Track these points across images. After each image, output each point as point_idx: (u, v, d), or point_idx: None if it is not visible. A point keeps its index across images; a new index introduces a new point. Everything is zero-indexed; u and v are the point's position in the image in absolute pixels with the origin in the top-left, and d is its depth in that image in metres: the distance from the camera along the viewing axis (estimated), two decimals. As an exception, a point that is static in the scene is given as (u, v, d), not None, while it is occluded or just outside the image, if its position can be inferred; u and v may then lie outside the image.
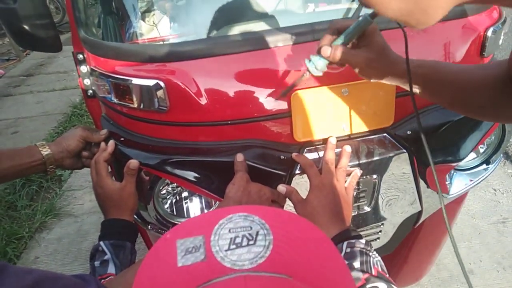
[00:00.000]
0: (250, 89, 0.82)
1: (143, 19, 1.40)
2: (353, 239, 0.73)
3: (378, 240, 1.02)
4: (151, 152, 0.85)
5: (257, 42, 0.80)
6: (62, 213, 2.49)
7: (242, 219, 0.40)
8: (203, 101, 0.82)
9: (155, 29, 1.29)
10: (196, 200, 0.95)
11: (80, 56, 1.08)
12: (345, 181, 0.83)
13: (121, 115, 0.89)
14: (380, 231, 1.00)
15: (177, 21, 1.28)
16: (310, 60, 0.70)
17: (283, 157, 0.84)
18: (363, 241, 0.73)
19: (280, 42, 0.80)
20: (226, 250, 0.37)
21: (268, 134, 0.85)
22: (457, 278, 1.80)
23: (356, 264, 0.69)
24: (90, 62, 0.95)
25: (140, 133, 0.88)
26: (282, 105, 0.82)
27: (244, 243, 0.38)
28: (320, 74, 0.71)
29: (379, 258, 0.72)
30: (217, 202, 0.94)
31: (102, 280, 0.69)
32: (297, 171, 0.84)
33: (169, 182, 0.92)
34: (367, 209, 0.94)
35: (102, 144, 0.88)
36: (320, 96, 0.82)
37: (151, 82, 0.79)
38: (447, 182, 1.00)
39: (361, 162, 0.87)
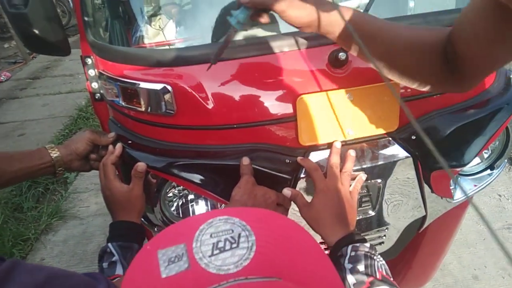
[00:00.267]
0: (255, 93, 0.83)
1: (149, 24, 1.42)
2: (357, 243, 0.74)
3: (382, 244, 1.03)
4: (158, 155, 0.86)
5: (263, 47, 0.81)
6: (68, 215, 2.50)
7: (222, 223, 0.40)
8: (210, 105, 0.83)
9: (161, 33, 1.31)
10: (202, 202, 0.96)
11: (88, 60, 1.09)
12: (350, 185, 0.84)
13: (128, 118, 0.90)
14: (384, 235, 1.01)
15: (183, 26, 1.30)
16: (231, 15, 0.68)
17: (288, 161, 0.85)
18: (367, 244, 0.74)
19: (286, 47, 0.81)
20: (209, 256, 0.37)
21: (273, 138, 0.86)
22: (461, 283, 1.79)
23: (361, 267, 0.70)
24: (99, 66, 0.96)
25: (147, 136, 0.89)
26: (288, 109, 0.83)
27: (227, 247, 0.38)
28: (245, 28, 0.69)
29: (384, 262, 0.73)
30: (223, 204, 0.95)
31: (110, 281, 0.70)
32: (302, 175, 0.85)
33: (175, 185, 0.94)
34: (372, 213, 0.94)
35: (110, 147, 0.89)
36: (325, 100, 0.82)
37: (158, 86, 0.80)
38: (451, 187, 1.00)
39: (365, 166, 0.87)
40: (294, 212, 0.87)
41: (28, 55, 5.49)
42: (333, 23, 0.66)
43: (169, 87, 0.81)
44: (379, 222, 0.96)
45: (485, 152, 1.06)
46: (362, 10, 0.76)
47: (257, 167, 0.84)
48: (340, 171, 0.84)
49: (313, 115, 0.83)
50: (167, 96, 0.81)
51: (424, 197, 0.95)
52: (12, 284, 0.38)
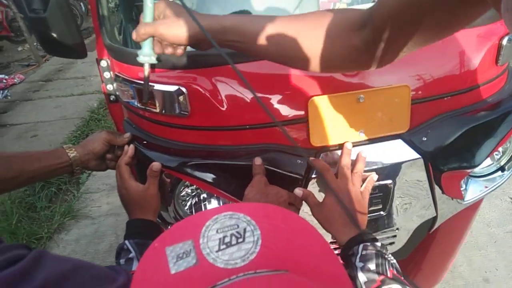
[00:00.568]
0: (268, 95, 0.84)
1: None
2: (368, 242, 0.75)
3: (392, 245, 1.03)
4: (173, 155, 0.88)
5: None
6: (80, 215, 2.54)
7: (227, 218, 0.41)
8: (223, 106, 0.85)
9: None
10: (214, 201, 0.98)
11: (103, 63, 1.12)
12: (361, 186, 0.85)
13: (143, 119, 0.92)
14: (395, 236, 1.01)
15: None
16: (138, 56, 0.73)
17: (299, 161, 0.86)
18: (378, 244, 0.75)
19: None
20: (217, 251, 0.38)
21: (285, 138, 0.88)
22: (472, 286, 1.79)
23: (372, 266, 0.71)
24: (114, 68, 0.99)
25: (161, 137, 0.91)
26: (300, 110, 0.85)
27: (234, 241, 0.39)
28: (150, 61, 0.72)
29: (395, 261, 0.74)
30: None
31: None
32: (314, 175, 0.87)
33: (188, 184, 0.96)
34: (382, 214, 0.95)
35: (126, 147, 0.92)
36: (337, 102, 0.84)
37: (173, 88, 0.83)
38: (462, 188, 1.01)
39: (376, 167, 0.89)
40: (305, 212, 0.89)
41: (41, 58, 5.58)
42: (226, 32, 0.66)
43: (183, 89, 0.83)
44: (389, 222, 0.97)
45: (496, 154, 1.06)
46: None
47: (269, 167, 0.86)
48: (351, 171, 0.85)
49: (324, 116, 0.85)
50: (181, 98, 0.83)
51: (434, 198, 0.95)
52: (41, 271, 0.40)
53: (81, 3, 7.37)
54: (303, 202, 0.86)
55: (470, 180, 1.03)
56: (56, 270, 0.42)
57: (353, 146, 0.87)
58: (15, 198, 2.61)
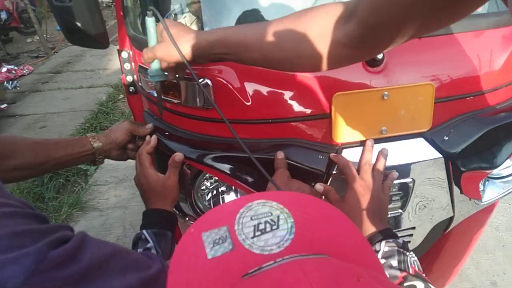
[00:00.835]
0: (292, 90, 0.85)
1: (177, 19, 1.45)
2: (390, 238, 0.75)
3: (409, 243, 1.04)
4: (195, 146, 0.89)
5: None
6: (88, 207, 2.56)
7: (261, 206, 0.42)
8: (247, 100, 0.85)
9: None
10: (232, 195, 0.98)
11: (125, 54, 1.12)
12: (382, 183, 0.85)
13: (166, 111, 0.93)
14: (411, 235, 1.01)
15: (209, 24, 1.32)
16: (148, 75, 0.79)
17: (321, 157, 0.87)
18: (400, 240, 0.75)
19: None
20: (252, 237, 0.39)
21: (307, 134, 0.88)
22: (479, 289, 1.79)
23: (394, 262, 0.71)
24: (137, 59, 0.99)
25: (184, 128, 0.91)
26: (323, 106, 0.85)
27: (268, 228, 0.40)
28: (160, 78, 0.78)
29: (416, 258, 0.74)
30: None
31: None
32: (335, 171, 0.87)
33: (208, 177, 0.96)
34: (400, 212, 0.95)
35: (147, 137, 0.92)
36: (361, 98, 0.84)
37: (199, 79, 0.83)
38: (480, 189, 1.01)
39: (397, 164, 0.89)
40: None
41: (50, 50, 5.60)
42: (213, 46, 0.70)
43: (209, 81, 0.83)
44: (407, 221, 0.97)
45: (514, 156, 1.06)
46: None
47: (290, 161, 0.86)
48: (373, 168, 0.85)
49: (347, 113, 0.85)
50: (207, 90, 0.84)
51: (453, 198, 0.95)
52: (86, 253, 0.41)
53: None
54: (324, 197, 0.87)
55: (488, 181, 1.03)
56: (99, 252, 0.43)
57: (375, 143, 0.87)
58: (23, 188, 2.63)
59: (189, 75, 0.82)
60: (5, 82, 4.46)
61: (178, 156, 0.86)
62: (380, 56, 0.80)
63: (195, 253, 0.39)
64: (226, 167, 0.87)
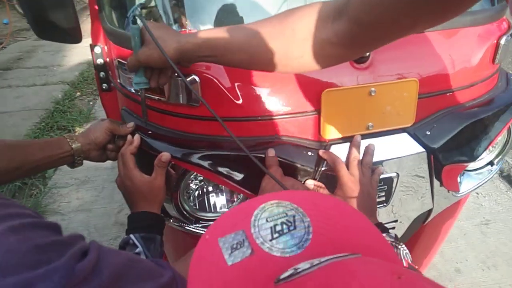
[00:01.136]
0: (280, 87, 0.84)
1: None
2: (383, 233, 0.76)
3: (391, 236, 1.06)
4: (181, 145, 0.85)
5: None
6: (48, 211, 2.42)
7: (275, 207, 0.41)
8: (235, 97, 0.83)
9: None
10: (220, 195, 0.96)
11: (98, 49, 1.07)
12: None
13: (149, 109, 0.89)
14: (394, 228, 1.04)
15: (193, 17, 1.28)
16: (133, 83, 0.78)
17: (310, 154, 0.87)
18: (392, 234, 0.76)
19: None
20: (270, 240, 0.37)
21: (296, 131, 0.88)
22: (445, 276, 1.87)
23: (388, 256, 0.72)
24: (113, 54, 0.94)
25: (168, 127, 0.88)
26: (312, 103, 0.85)
27: (285, 229, 0.39)
28: (145, 85, 0.78)
29: (408, 250, 0.76)
30: (240, 195, 0.95)
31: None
32: (324, 167, 0.87)
33: (193, 177, 0.93)
34: (385, 206, 0.97)
35: (129, 136, 0.88)
36: (350, 95, 0.85)
37: (187, 76, 0.80)
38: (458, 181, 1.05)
39: (382, 160, 0.90)
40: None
41: (-4, 45, 5.25)
42: (199, 49, 0.70)
43: (196, 78, 0.81)
44: (390, 214, 1.00)
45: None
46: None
47: (280, 159, 0.85)
48: (361, 164, 0.86)
49: (336, 109, 0.85)
50: (194, 87, 0.81)
51: (433, 191, 0.99)
52: (105, 264, 0.38)
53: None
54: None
55: (463, 174, 1.07)
56: (116, 263, 0.40)
57: (361, 139, 0.88)
58: (-26, 193, 2.44)
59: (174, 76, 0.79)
60: None
61: (165, 156, 0.82)
62: (367, 53, 0.81)
63: (214, 261, 0.37)
64: (215, 167, 0.84)
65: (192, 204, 0.94)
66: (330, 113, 0.85)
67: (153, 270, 0.44)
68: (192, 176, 0.92)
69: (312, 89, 0.85)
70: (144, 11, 1.21)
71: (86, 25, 1.14)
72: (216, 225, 0.40)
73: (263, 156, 0.83)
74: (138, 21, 0.74)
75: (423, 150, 0.91)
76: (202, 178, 0.94)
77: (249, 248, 0.37)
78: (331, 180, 0.88)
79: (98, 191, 2.55)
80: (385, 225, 1.01)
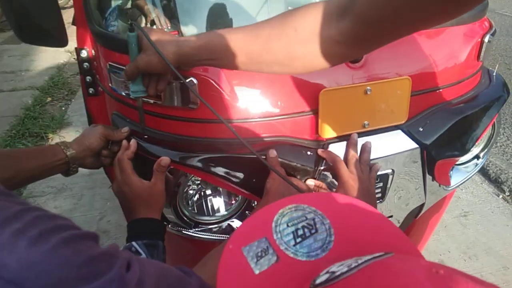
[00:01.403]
0: (278, 87, 0.84)
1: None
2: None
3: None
4: (179, 149, 0.84)
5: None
6: (25, 222, 2.32)
7: (293, 211, 0.41)
8: (234, 98, 0.82)
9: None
10: (219, 198, 0.95)
11: (84, 53, 1.04)
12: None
13: (145, 113, 0.87)
14: (389, 223, 1.06)
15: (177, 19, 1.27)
16: (131, 91, 0.78)
17: (309, 153, 0.87)
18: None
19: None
20: (294, 245, 0.37)
21: (293, 131, 0.88)
22: (429, 268, 1.92)
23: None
24: (102, 57, 0.92)
25: (164, 131, 0.86)
26: (310, 103, 0.85)
27: (307, 233, 0.39)
28: (143, 94, 0.77)
29: None
30: (238, 197, 0.95)
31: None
32: (323, 166, 0.88)
33: (192, 182, 0.92)
34: (381, 202, 0.99)
35: (124, 142, 0.85)
36: (346, 94, 0.86)
37: (185, 79, 0.78)
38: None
39: (378, 157, 0.92)
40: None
41: (-42, 50, 4.99)
42: (198, 53, 0.70)
43: (195, 80, 0.80)
44: (386, 210, 1.01)
45: (470, 143, 1.16)
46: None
47: (280, 159, 0.85)
48: (359, 161, 0.87)
49: (333, 108, 0.86)
50: (193, 89, 0.80)
51: (425, 185, 1.01)
52: (145, 275, 0.37)
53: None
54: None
55: (453, 168, 1.11)
56: (154, 273, 0.38)
57: (358, 136, 0.90)
58: None
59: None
60: None
61: (165, 160, 0.81)
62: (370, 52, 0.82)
63: (241, 270, 0.36)
64: (217, 169, 0.83)
65: (190, 208, 0.93)
66: (328, 112, 0.86)
67: (183, 278, 0.43)
68: (190, 180, 0.91)
69: (309, 89, 0.85)
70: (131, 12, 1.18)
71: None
72: (237, 234, 0.40)
73: (264, 157, 0.83)
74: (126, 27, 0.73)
75: (417, 146, 0.93)
76: (199, 182, 0.93)
77: (274, 255, 0.37)
78: (331, 179, 0.88)
79: (77, 199, 2.47)
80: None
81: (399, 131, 0.93)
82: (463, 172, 1.11)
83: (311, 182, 0.85)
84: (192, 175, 0.88)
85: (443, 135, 0.94)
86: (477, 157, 1.14)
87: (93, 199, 2.44)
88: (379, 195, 0.97)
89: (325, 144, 0.89)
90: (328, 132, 0.88)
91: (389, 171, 0.95)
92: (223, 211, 0.96)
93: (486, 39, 0.99)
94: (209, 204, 0.95)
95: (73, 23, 1.26)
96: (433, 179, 1.00)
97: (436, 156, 0.95)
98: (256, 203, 0.95)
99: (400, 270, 0.34)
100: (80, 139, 0.84)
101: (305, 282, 0.36)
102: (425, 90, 0.94)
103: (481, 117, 0.99)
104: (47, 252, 0.30)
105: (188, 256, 1.10)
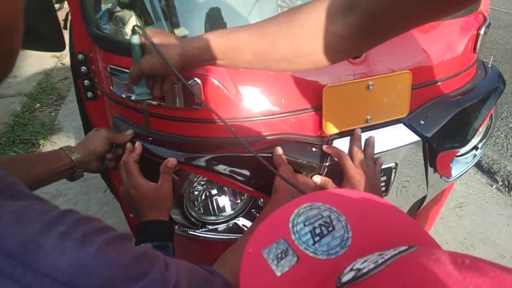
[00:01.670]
0: (281, 85, 0.84)
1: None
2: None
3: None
4: (185, 150, 0.84)
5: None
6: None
7: (309, 210, 0.41)
8: (238, 97, 0.82)
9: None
10: (224, 197, 0.95)
11: (81, 56, 1.03)
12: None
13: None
14: (392, 216, 1.07)
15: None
16: (134, 93, 0.77)
17: (315, 149, 0.87)
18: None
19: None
20: (313, 244, 0.38)
21: (297, 128, 0.88)
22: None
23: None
24: (106, 61, 0.91)
25: (169, 132, 0.86)
26: (313, 100, 0.86)
27: (325, 231, 0.39)
28: (147, 96, 0.77)
29: None
30: (244, 196, 0.95)
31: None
32: (328, 162, 0.88)
33: (198, 181, 0.92)
34: (385, 195, 1.00)
35: (129, 144, 0.85)
36: (349, 89, 0.86)
37: (188, 79, 0.78)
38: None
39: (382, 151, 0.93)
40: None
41: None
42: (203, 53, 0.70)
43: (198, 80, 0.79)
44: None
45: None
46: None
47: (286, 156, 0.85)
48: (364, 156, 0.88)
49: (337, 104, 0.87)
50: (196, 89, 0.79)
51: (427, 178, 1.03)
52: (181, 274, 0.37)
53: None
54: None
55: (453, 160, 1.12)
56: (186, 272, 0.38)
57: (361, 131, 0.90)
58: None
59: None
60: None
61: (171, 161, 0.80)
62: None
63: (262, 273, 0.36)
64: (223, 169, 0.83)
65: (197, 208, 0.93)
66: (331, 108, 0.86)
67: (208, 277, 0.43)
68: (195, 181, 0.91)
69: (312, 86, 0.86)
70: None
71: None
72: (255, 237, 0.40)
73: (270, 155, 0.83)
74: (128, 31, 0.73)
75: (419, 139, 0.94)
76: (205, 182, 0.93)
77: (294, 256, 0.37)
78: (336, 174, 0.89)
79: (72, 204, 2.44)
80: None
81: (401, 124, 0.94)
82: (463, 163, 1.13)
83: (317, 178, 0.86)
84: (198, 176, 0.88)
85: (444, 127, 0.95)
86: (475, 148, 1.16)
87: (89, 204, 2.42)
88: (383, 188, 0.98)
89: (329, 140, 0.90)
90: (331, 128, 0.88)
91: (392, 164, 0.95)
92: (229, 211, 0.96)
93: (482, 31, 1.00)
94: (215, 204, 0.95)
95: (64, 27, 1.25)
96: (435, 171, 1.02)
97: (437, 148, 0.96)
98: (262, 201, 0.96)
99: (428, 263, 0.34)
100: (85, 143, 0.83)
101: (327, 281, 0.36)
102: (425, 83, 0.95)
103: (480, 109, 1.01)
104: (94, 254, 0.30)
105: (192, 256, 1.09)
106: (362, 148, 0.89)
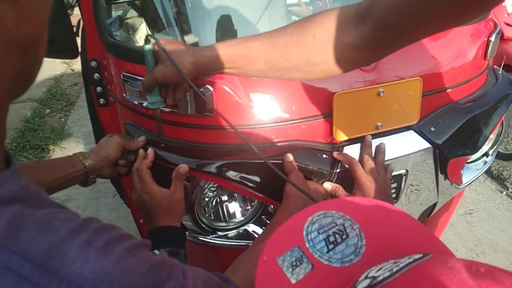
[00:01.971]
0: (292, 92, 0.85)
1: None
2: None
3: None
4: (196, 156, 0.84)
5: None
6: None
7: (322, 218, 0.41)
8: (249, 104, 0.83)
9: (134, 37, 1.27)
10: (235, 203, 0.96)
11: (94, 63, 1.04)
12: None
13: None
14: (402, 223, 1.06)
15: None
16: (147, 101, 0.79)
17: (325, 156, 0.88)
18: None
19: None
20: (327, 252, 0.38)
21: (308, 134, 0.88)
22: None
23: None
24: (119, 68, 0.92)
25: (181, 139, 0.87)
26: (324, 107, 0.86)
27: (339, 239, 0.39)
28: (161, 105, 0.78)
29: None
30: (254, 202, 0.95)
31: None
32: (339, 169, 0.88)
33: (209, 188, 0.92)
34: (395, 202, 1.00)
35: (141, 151, 0.86)
36: (360, 96, 0.86)
37: (200, 87, 0.79)
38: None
39: (392, 158, 0.92)
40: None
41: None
42: (216, 62, 0.72)
43: (210, 87, 0.80)
44: (400, 210, 1.02)
45: (479, 141, 1.17)
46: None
47: (297, 163, 0.85)
48: (374, 163, 0.88)
49: (347, 111, 0.87)
50: (208, 97, 0.80)
51: (438, 185, 1.02)
52: (197, 283, 0.37)
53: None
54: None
55: (464, 167, 1.12)
56: (201, 281, 0.39)
57: (372, 138, 0.90)
58: None
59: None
60: None
61: (183, 168, 0.81)
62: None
63: (277, 282, 0.37)
64: (234, 175, 0.84)
65: (207, 215, 0.93)
66: (342, 115, 0.87)
67: (222, 285, 0.44)
68: (206, 187, 0.91)
69: (322, 93, 0.86)
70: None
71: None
72: (270, 245, 0.40)
73: (281, 161, 0.83)
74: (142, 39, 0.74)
75: (429, 146, 0.94)
76: (215, 188, 0.93)
77: (309, 264, 0.37)
78: (347, 180, 0.89)
79: (81, 210, 2.47)
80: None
81: (412, 131, 0.94)
82: (473, 170, 1.13)
83: (328, 185, 0.86)
84: (209, 182, 0.89)
85: (455, 134, 0.95)
86: (486, 154, 1.15)
87: (98, 209, 2.44)
88: (394, 195, 0.98)
89: (339, 146, 0.90)
90: (342, 134, 0.89)
91: (403, 171, 0.95)
92: (239, 217, 0.96)
93: (492, 38, 1.00)
94: (226, 210, 0.95)
95: (76, 34, 1.27)
96: (446, 178, 1.01)
97: (448, 155, 0.95)
98: (272, 207, 0.96)
99: (443, 271, 0.34)
100: (97, 150, 0.84)
101: None
102: (436, 90, 0.95)
103: (491, 115, 1.01)
104: (115, 262, 0.30)
105: (202, 261, 1.10)
106: (373, 155, 0.89)
